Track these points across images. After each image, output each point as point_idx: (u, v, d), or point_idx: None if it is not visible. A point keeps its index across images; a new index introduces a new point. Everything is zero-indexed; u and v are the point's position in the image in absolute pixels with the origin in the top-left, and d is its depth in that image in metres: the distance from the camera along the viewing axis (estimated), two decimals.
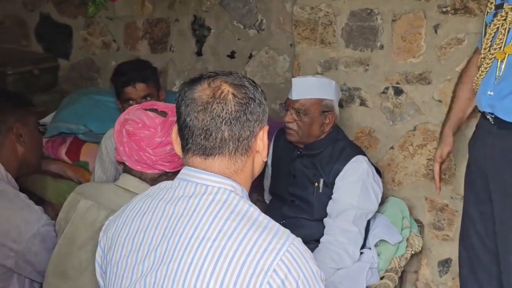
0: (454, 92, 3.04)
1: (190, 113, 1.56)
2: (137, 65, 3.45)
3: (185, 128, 1.58)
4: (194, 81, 1.60)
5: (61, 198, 3.16)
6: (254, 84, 1.62)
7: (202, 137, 1.56)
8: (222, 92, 1.55)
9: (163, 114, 2.13)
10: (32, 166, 2.63)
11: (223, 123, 1.54)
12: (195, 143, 1.57)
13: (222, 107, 1.54)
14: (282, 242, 1.47)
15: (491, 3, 2.79)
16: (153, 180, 2.11)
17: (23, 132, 2.52)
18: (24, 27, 4.85)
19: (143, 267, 1.55)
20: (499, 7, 2.72)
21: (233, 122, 1.55)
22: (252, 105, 1.58)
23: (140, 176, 2.13)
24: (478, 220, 2.87)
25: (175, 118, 2.05)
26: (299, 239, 1.53)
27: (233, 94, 1.56)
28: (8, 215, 2.33)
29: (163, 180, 1.98)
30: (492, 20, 2.73)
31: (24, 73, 4.29)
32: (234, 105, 1.55)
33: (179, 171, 1.65)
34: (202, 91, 1.56)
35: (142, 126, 2.09)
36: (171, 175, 2.09)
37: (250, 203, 1.56)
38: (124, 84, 3.30)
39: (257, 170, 1.68)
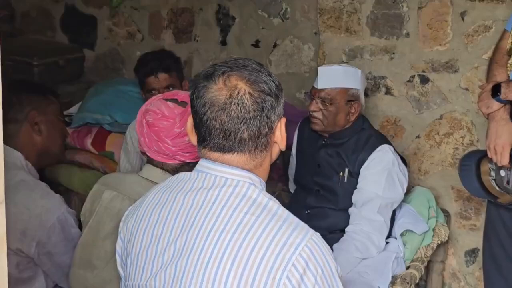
0: (489, 72, 2.90)
1: (207, 113, 1.55)
2: (159, 55, 3.45)
3: (202, 126, 1.57)
4: (208, 77, 1.57)
5: (87, 188, 3.16)
6: (269, 77, 1.59)
7: (220, 136, 1.55)
8: (238, 93, 1.53)
9: (183, 104, 2.12)
10: (53, 155, 2.63)
11: (241, 123, 1.53)
12: (213, 141, 1.56)
13: (240, 108, 1.53)
14: (301, 236, 1.46)
15: None
16: (175, 171, 2.10)
17: (39, 120, 2.52)
18: (49, 18, 4.88)
19: (163, 259, 1.55)
20: None
21: (251, 121, 1.54)
22: (269, 102, 1.56)
23: (162, 166, 2.13)
24: (504, 210, 2.83)
25: None
26: (318, 234, 1.51)
27: (249, 93, 1.54)
28: (29, 204, 2.34)
29: (184, 170, 1.98)
30: None
31: (49, 64, 4.32)
32: (252, 104, 1.53)
33: None
34: (218, 91, 1.54)
35: (161, 117, 2.08)
36: (192, 165, 2.07)
37: (270, 196, 1.55)
38: (146, 75, 3.31)
39: (274, 157, 1.67)
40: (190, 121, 1.64)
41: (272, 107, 1.56)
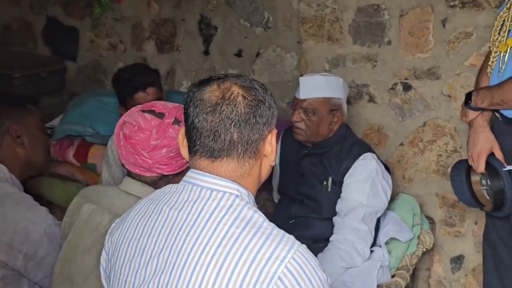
0: (476, 79, 2.91)
1: (198, 114, 1.54)
2: (141, 69, 3.37)
3: (193, 129, 1.56)
4: (203, 83, 1.58)
5: (69, 201, 3.13)
6: (263, 87, 1.60)
7: (210, 138, 1.54)
8: (232, 94, 1.53)
9: (161, 115, 2.09)
10: (38, 166, 2.62)
11: (232, 125, 1.52)
12: (203, 144, 1.55)
13: (232, 108, 1.52)
14: (287, 249, 1.45)
15: None
16: (154, 183, 2.07)
17: (21, 133, 2.51)
18: (31, 30, 4.87)
19: (146, 273, 1.53)
20: None
21: (242, 124, 1.53)
22: (261, 108, 1.55)
23: (140, 179, 2.10)
24: (496, 218, 2.83)
25: (171, 120, 2.04)
26: (304, 246, 1.50)
27: (243, 96, 1.54)
28: (15, 216, 2.32)
29: (163, 183, 1.96)
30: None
31: (31, 76, 4.31)
32: (244, 107, 1.53)
33: (179, 173, 1.62)
34: (211, 92, 1.54)
35: (138, 129, 2.05)
36: (171, 178, 2.06)
37: (255, 209, 1.54)
38: (134, 90, 3.20)
39: (265, 174, 1.66)
40: (181, 132, 1.64)
41: (264, 115, 1.56)
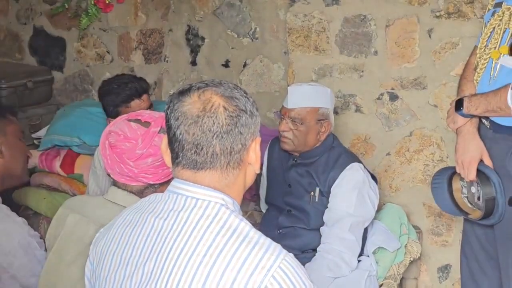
0: (458, 87, 2.90)
1: (180, 126, 1.52)
2: (131, 78, 3.34)
3: (175, 141, 1.54)
4: (184, 93, 1.55)
5: (56, 212, 3.14)
6: (245, 94, 1.58)
7: (193, 151, 1.51)
8: (212, 105, 1.51)
9: (146, 124, 2.07)
10: (16, 177, 2.59)
11: (214, 137, 1.50)
12: (185, 157, 1.53)
13: (213, 121, 1.50)
14: (274, 258, 1.43)
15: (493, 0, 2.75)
16: (140, 192, 2.06)
17: (0, 142, 2.49)
18: (17, 40, 4.84)
19: (131, 283, 1.51)
20: (498, 5, 2.67)
21: (224, 136, 1.51)
22: (243, 117, 1.53)
23: (126, 188, 2.08)
24: (478, 226, 2.83)
25: (157, 129, 2.03)
26: (291, 255, 1.48)
27: (224, 107, 1.51)
28: None
29: (149, 192, 1.94)
30: (489, 20, 2.70)
31: (18, 87, 4.28)
32: (225, 118, 1.51)
33: (165, 182, 1.60)
34: (192, 104, 1.52)
35: (124, 138, 2.04)
36: (157, 187, 2.05)
37: (242, 217, 1.52)
38: (129, 98, 3.19)
39: (249, 182, 1.64)
40: (164, 141, 1.61)
41: (246, 124, 1.53)
